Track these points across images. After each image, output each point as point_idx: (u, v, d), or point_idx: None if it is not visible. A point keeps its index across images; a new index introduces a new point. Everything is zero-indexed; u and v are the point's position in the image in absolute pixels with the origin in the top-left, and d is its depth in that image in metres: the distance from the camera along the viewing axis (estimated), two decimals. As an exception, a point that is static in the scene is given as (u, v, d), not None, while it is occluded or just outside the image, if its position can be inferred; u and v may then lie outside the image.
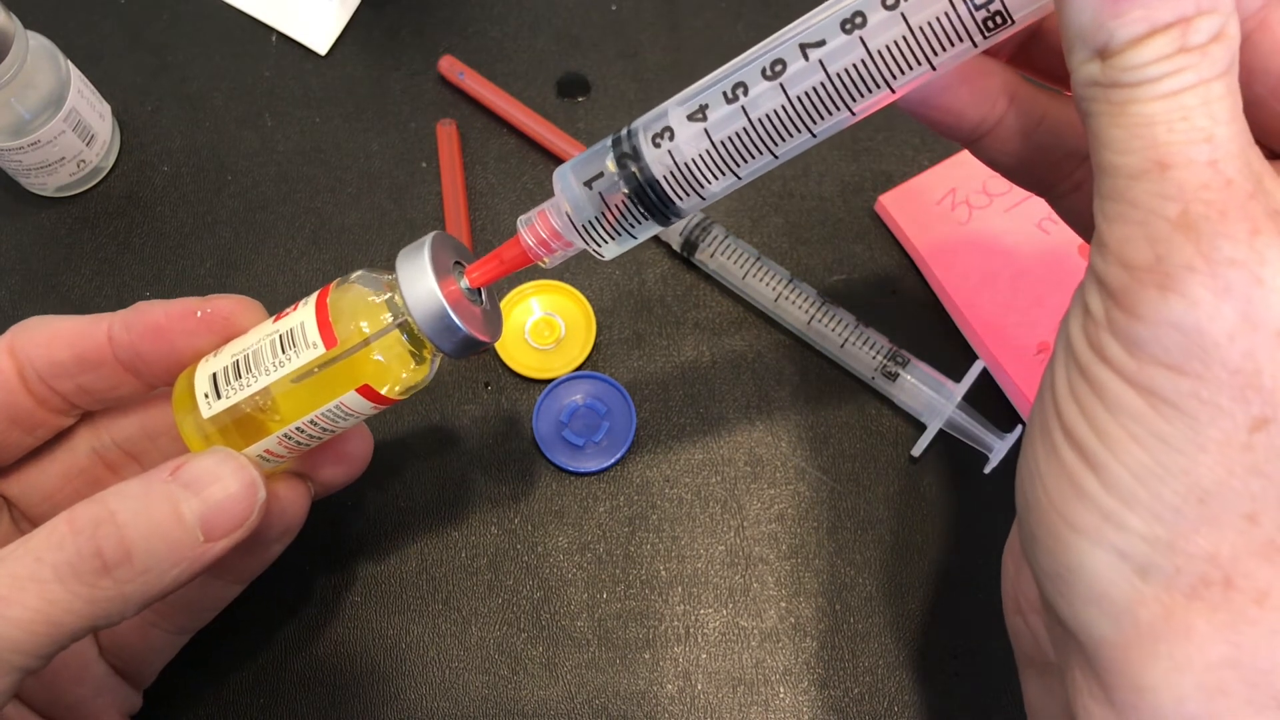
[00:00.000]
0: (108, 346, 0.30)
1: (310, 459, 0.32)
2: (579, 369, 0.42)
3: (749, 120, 0.25)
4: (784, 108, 0.24)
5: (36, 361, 0.30)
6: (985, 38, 0.23)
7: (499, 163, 0.47)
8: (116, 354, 0.30)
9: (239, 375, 0.28)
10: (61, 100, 0.43)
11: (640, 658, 0.38)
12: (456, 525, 0.40)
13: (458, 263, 0.29)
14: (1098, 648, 0.21)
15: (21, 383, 0.30)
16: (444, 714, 0.37)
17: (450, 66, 0.48)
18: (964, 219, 0.44)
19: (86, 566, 0.25)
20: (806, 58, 0.24)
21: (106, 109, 0.47)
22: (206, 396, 0.29)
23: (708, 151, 0.25)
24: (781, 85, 0.24)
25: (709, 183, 0.26)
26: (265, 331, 0.29)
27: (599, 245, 0.28)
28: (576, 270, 0.44)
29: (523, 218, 0.28)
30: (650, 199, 0.26)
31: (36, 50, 0.42)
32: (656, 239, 0.44)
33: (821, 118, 0.25)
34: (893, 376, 0.40)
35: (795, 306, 0.41)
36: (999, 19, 0.23)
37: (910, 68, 0.23)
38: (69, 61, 0.44)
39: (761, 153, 0.25)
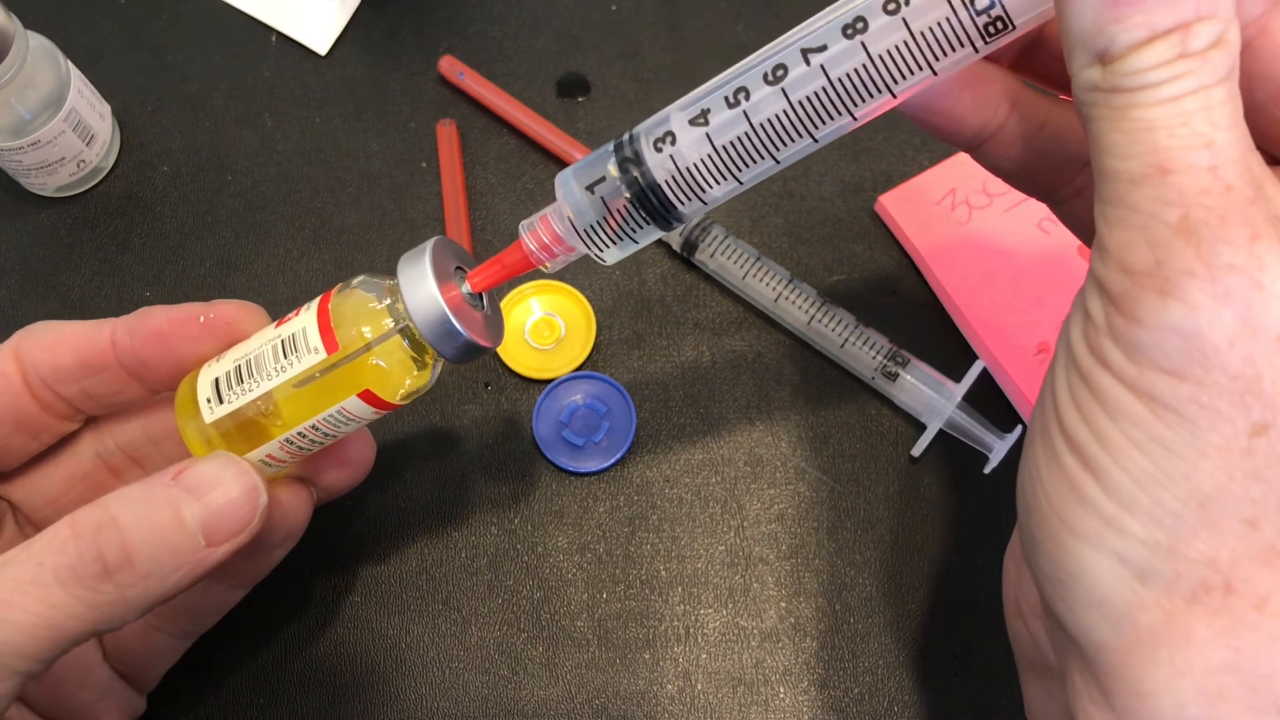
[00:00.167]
0: (111, 351, 0.30)
1: (313, 464, 0.32)
2: (579, 369, 0.42)
3: (750, 125, 0.25)
4: (785, 112, 0.24)
5: (41, 366, 0.30)
6: (986, 43, 0.23)
7: (499, 163, 0.47)
8: (120, 359, 0.30)
9: (241, 380, 0.28)
10: (61, 100, 0.43)
11: (640, 658, 0.38)
12: (456, 525, 0.40)
13: (459, 268, 0.29)
14: (1098, 652, 0.21)
15: (26, 388, 0.30)
16: (444, 714, 0.37)
17: (450, 66, 0.48)
18: (964, 219, 0.44)
19: (88, 571, 0.25)
20: (808, 63, 0.24)
21: (106, 109, 0.47)
22: (209, 401, 0.29)
23: (709, 156, 0.25)
24: (783, 90, 0.24)
25: (710, 187, 0.26)
26: (267, 337, 0.29)
27: (601, 250, 0.28)
28: (576, 271, 0.44)
29: (524, 223, 0.28)
30: (652, 204, 0.26)
31: (36, 50, 0.42)
32: (657, 239, 0.44)
33: (823, 123, 0.25)
34: (893, 377, 0.40)
35: (795, 306, 0.41)
36: (1000, 24, 0.23)
37: (912, 73, 0.24)
38: (69, 61, 0.44)
39: (763, 157, 0.25)
